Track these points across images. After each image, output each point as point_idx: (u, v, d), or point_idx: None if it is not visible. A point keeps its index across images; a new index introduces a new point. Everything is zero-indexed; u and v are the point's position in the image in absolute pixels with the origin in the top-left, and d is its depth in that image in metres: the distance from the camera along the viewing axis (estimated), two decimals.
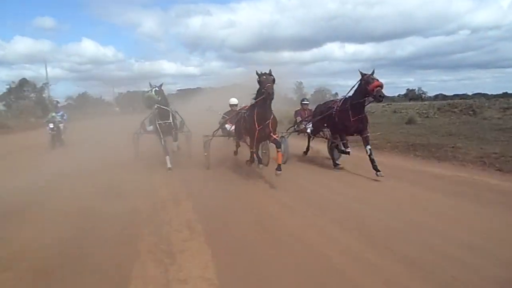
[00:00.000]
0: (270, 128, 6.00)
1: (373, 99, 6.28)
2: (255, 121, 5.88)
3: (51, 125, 12.40)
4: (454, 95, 61.39)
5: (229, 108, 8.70)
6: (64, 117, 13.07)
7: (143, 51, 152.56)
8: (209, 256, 3.34)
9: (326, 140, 8.16)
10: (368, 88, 6.17)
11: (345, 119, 6.69)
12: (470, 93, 62.30)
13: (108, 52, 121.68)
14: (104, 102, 63.20)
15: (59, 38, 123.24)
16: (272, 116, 6.01)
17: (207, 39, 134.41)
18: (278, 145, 5.95)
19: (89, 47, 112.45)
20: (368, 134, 6.69)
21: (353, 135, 6.92)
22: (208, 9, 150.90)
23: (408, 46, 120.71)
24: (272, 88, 5.50)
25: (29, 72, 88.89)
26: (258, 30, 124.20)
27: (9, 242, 3.85)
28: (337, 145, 7.23)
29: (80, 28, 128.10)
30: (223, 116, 8.50)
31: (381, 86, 6.13)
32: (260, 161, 6.68)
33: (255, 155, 6.67)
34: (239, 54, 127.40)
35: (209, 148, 7.71)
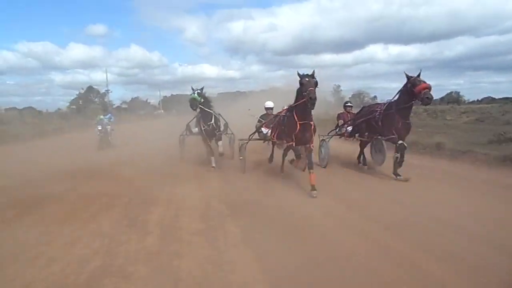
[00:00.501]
0: (312, 132, 5.82)
1: (420, 102, 6.08)
2: (296, 121, 5.66)
3: (99, 127, 12.78)
4: (504, 98, 55.61)
5: (265, 112, 8.72)
6: (112, 119, 13.47)
7: (186, 55, 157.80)
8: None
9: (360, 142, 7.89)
10: (414, 90, 5.98)
11: (390, 124, 6.42)
12: None
13: (153, 57, 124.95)
14: (150, 104, 66.10)
15: (109, 44, 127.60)
16: (312, 120, 5.82)
17: (248, 43, 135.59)
18: (310, 165, 5.69)
19: (137, 52, 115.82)
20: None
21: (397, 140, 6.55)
22: (250, 13, 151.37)
23: (457, 46, 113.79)
24: (315, 93, 5.24)
25: (81, 76, 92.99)
26: (299, 33, 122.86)
27: None
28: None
29: (129, 34, 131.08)
30: (259, 119, 8.48)
31: (429, 88, 5.92)
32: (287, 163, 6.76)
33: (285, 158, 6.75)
34: (279, 57, 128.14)
35: (245, 152, 7.62)
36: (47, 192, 6.17)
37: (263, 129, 7.92)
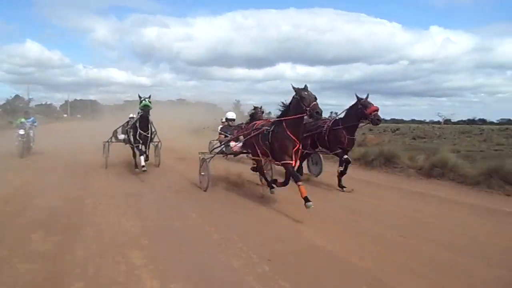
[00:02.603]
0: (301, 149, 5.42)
1: (369, 122, 6.49)
2: (292, 138, 5.11)
3: (21, 132, 11.28)
4: (391, 119, 68.64)
5: (226, 123, 8.77)
6: (35, 124, 12.23)
7: (92, 57, 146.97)
8: None
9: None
10: (365, 111, 6.29)
11: (337, 139, 6.65)
12: (406, 119, 73.29)
13: (54, 55, 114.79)
14: (51, 107, 63.75)
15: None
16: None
17: (161, 50, 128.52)
18: (297, 178, 5.07)
19: (33, 49, 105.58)
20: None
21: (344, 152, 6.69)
22: (165, 21, 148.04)
23: (355, 71, 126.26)
24: (320, 108, 4.87)
25: None
26: (213, 45, 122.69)
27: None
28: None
29: (26, 29, 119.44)
30: (220, 132, 8.12)
31: (377, 110, 6.33)
32: (271, 185, 6.03)
33: (263, 177, 6.44)
34: (193, 67, 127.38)
35: (208, 168, 6.58)
36: None
37: (231, 143, 7.07)
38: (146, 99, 7.74)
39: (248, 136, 6.11)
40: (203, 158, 6.87)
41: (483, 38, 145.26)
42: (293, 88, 5.08)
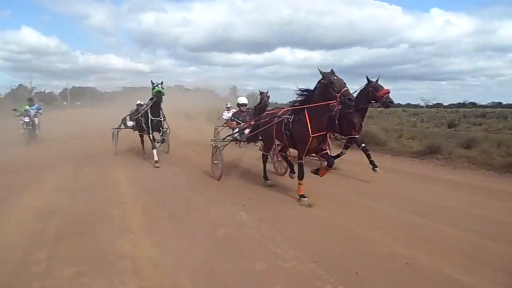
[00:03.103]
0: (328, 140, 5.17)
1: (381, 105, 6.37)
2: (309, 128, 4.75)
3: (26, 119, 11.30)
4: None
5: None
6: (40, 111, 12.17)
7: (90, 44, 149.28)
8: None
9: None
10: (377, 94, 6.23)
11: (350, 123, 6.44)
12: (403, 103, 72.49)
13: (51, 42, 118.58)
14: (51, 95, 63.58)
15: None
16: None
17: (160, 36, 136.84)
18: (330, 163, 4.94)
19: (29, 35, 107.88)
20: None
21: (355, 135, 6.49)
22: (163, 5, 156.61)
23: (354, 56, 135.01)
24: (352, 94, 4.54)
25: None
26: (213, 30, 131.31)
27: None
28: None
29: (21, 15, 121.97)
30: (231, 118, 7.76)
31: (388, 92, 6.25)
32: (292, 170, 5.83)
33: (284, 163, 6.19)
34: (192, 53, 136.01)
35: (220, 156, 6.37)
36: None
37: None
38: (159, 85, 7.71)
39: (267, 125, 5.70)
40: (215, 146, 6.61)
41: (484, 21, 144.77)
42: (320, 72, 4.66)
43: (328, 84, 4.51)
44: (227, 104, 12.44)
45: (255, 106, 9.46)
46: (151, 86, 7.87)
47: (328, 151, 5.09)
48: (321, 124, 4.80)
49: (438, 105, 72.82)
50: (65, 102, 60.75)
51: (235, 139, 6.95)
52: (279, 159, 6.75)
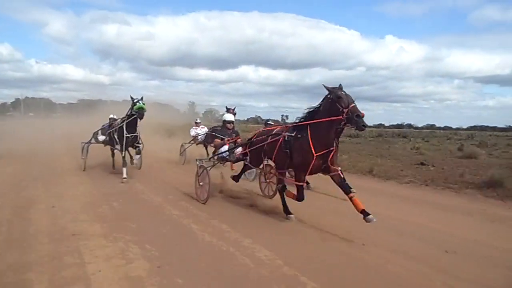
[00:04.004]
0: (334, 157, 4.51)
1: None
2: (311, 146, 4.38)
3: None
4: None
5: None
6: None
7: (46, 52, 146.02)
8: None
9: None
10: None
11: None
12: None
13: (3, 49, 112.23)
14: (4, 106, 63.76)
15: None
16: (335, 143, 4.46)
17: (122, 48, 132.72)
18: (347, 189, 4.33)
19: None
20: None
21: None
22: (126, 18, 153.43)
23: (315, 76, 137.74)
24: (360, 111, 4.07)
25: None
26: (176, 45, 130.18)
27: None
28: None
29: None
30: (215, 134, 7.24)
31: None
32: (288, 211, 5.08)
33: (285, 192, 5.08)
34: (155, 67, 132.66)
35: (208, 177, 5.83)
36: None
37: (226, 147, 6.40)
38: (140, 101, 7.50)
39: (262, 143, 5.27)
40: (201, 166, 6.14)
41: (433, 48, 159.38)
42: (326, 87, 4.35)
43: (335, 99, 4.18)
44: (196, 120, 12.20)
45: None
46: (130, 100, 7.60)
47: (340, 173, 4.52)
48: (326, 140, 4.39)
49: (379, 126, 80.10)
50: (11, 113, 59.16)
51: (223, 159, 6.44)
52: (267, 180, 6.28)
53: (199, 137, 10.69)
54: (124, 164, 7.78)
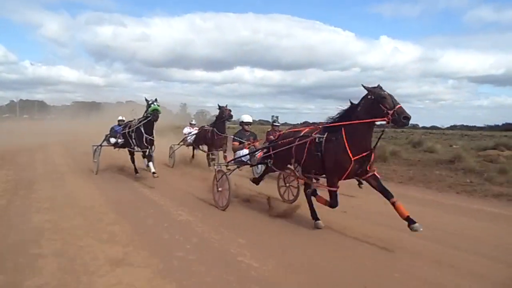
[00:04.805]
0: (371, 160, 4.19)
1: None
2: (347, 149, 4.07)
3: None
4: None
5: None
6: None
7: (41, 54, 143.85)
8: None
9: None
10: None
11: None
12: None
13: None
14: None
15: None
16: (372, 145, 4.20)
17: (117, 50, 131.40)
18: (389, 194, 4.02)
19: None
20: None
21: None
22: (122, 20, 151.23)
23: (311, 77, 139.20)
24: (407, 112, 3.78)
25: None
26: (172, 46, 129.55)
27: None
28: None
29: None
30: (234, 138, 6.58)
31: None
32: (316, 217, 4.71)
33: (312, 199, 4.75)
34: (150, 68, 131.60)
35: (228, 182, 5.42)
36: None
37: (245, 151, 6.05)
38: (155, 103, 7.39)
39: (288, 145, 4.91)
40: (219, 171, 5.77)
41: (427, 49, 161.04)
42: (365, 87, 4.07)
43: (379, 99, 3.89)
44: (191, 121, 12.05)
45: (215, 121, 9.38)
46: (145, 103, 7.54)
47: (376, 174, 4.25)
48: (363, 143, 4.11)
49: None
50: (7, 114, 59.76)
51: (242, 162, 6.04)
52: (287, 184, 5.96)
53: (188, 138, 10.53)
54: (149, 159, 7.55)
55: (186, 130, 11.05)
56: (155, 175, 7.33)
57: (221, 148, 9.15)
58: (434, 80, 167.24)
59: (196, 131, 10.42)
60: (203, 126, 10.09)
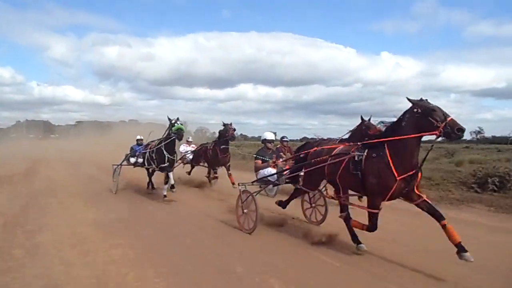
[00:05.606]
0: (418, 179, 3.90)
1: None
2: (392, 167, 3.77)
3: None
4: None
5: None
6: None
7: (48, 75, 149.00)
8: None
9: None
10: (370, 132, 5.08)
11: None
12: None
13: (5, 73, 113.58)
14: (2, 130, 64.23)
15: None
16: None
17: (122, 69, 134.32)
18: (439, 215, 3.72)
19: None
20: None
21: None
22: (127, 40, 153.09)
23: (313, 92, 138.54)
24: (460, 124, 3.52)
25: None
26: (176, 65, 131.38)
27: None
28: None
29: None
30: (256, 156, 6.21)
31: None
32: (358, 240, 4.35)
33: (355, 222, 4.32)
34: (154, 87, 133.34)
35: (254, 204, 5.11)
36: None
37: (270, 169, 5.78)
38: (178, 122, 7.36)
39: (322, 164, 4.61)
40: (244, 191, 5.48)
41: (428, 64, 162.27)
42: (410, 100, 3.83)
43: (427, 112, 3.65)
44: (188, 138, 11.91)
45: (218, 138, 9.27)
46: (168, 122, 7.52)
47: (426, 198, 3.90)
48: (410, 161, 3.80)
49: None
50: (14, 134, 60.32)
51: (269, 182, 5.74)
52: (313, 204, 5.69)
53: (187, 156, 10.48)
54: (166, 181, 7.64)
55: (183, 148, 10.93)
56: (165, 198, 7.58)
57: (224, 166, 9.13)
58: (436, 94, 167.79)
59: (192, 149, 10.51)
60: (203, 144, 10.15)
